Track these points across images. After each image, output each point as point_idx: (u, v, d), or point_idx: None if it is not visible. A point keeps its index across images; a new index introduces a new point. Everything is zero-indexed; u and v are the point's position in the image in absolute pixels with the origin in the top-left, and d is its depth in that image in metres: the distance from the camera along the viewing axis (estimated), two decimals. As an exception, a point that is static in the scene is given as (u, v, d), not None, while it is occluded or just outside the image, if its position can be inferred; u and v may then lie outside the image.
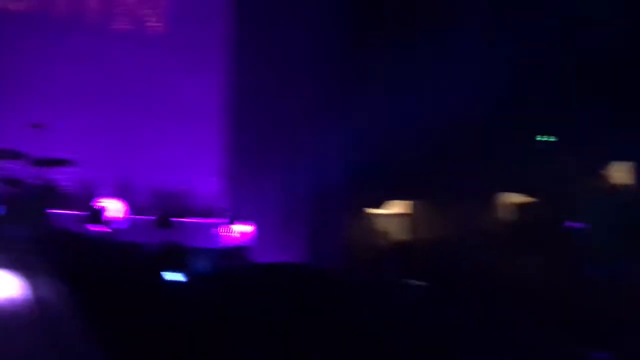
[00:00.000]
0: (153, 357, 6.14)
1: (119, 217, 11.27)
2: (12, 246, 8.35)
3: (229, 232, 12.00)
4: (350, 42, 12.89)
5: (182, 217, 11.82)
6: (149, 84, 12.36)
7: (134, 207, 11.69)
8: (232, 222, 12.05)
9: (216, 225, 12.13)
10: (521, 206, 12.11)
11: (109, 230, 10.89)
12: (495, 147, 12.02)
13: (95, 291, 7.03)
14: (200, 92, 12.67)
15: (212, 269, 10.61)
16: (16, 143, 9.27)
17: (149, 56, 12.46)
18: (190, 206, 12.37)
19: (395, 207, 13.33)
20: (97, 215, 10.91)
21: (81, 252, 8.54)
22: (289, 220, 12.76)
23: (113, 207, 11.25)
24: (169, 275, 8.87)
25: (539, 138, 12.46)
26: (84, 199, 11.28)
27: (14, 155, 9.05)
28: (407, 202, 13.22)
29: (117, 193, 11.65)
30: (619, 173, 11.10)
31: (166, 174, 12.28)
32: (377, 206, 13.36)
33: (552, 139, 12.41)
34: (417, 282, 9.77)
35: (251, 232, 12.03)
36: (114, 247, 10.02)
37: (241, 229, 12.00)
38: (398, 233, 13.18)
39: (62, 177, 10.06)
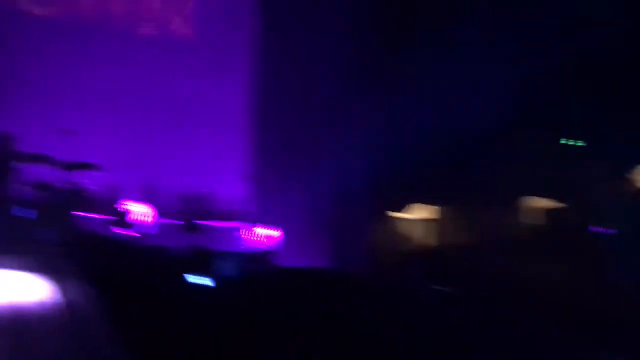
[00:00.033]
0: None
1: (146, 221, 11.36)
2: (42, 249, 8.48)
3: (254, 236, 12.04)
4: (376, 46, 12.88)
5: (208, 221, 11.88)
6: (175, 88, 12.47)
7: (160, 210, 11.77)
8: (257, 226, 12.08)
9: (242, 229, 12.19)
10: (546, 211, 12.03)
11: (137, 233, 10.98)
12: (521, 152, 11.95)
13: (123, 294, 7.12)
14: (226, 97, 12.75)
15: (238, 272, 10.65)
16: (46, 148, 9.38)
17: (175, 61, 12.56)
18: (216, 210, 12.44)
19: (420, 212, 13.29)
20: (124, 218, 11.00)
21: (109, 255, 8.64)
22: (314, 224, 12.78)
23: (140, 211, 11.34)
24: (196, 279, 8.95)
25: (564, 142, 12.37)
26: (111, 203, 11.38)
27: (44, 160, 9.17)
28: (432, 206, 13.18)
29: (144, 197, 11.75)
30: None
31: (192, 177, 12.37)
32: (402, 211, 13.33)
33: (578, 143, 12.32)
34: (442, 287, 9.76)
35: (276, 236, 12.06)
36: (141, 250, 10.12)
37: (266, 233, 12.03)
38: (423, 238, 13.14)
39: (91, 182, 10.17)
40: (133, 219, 11.00)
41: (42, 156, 9.23)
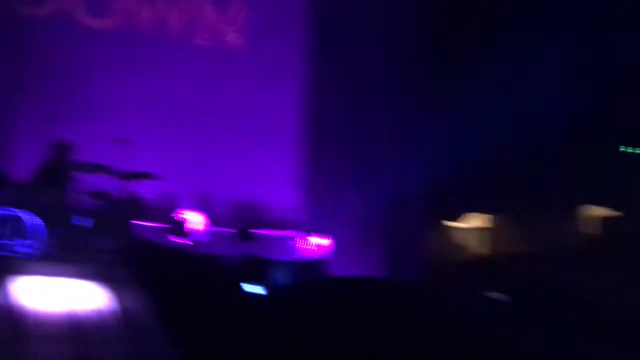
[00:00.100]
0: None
1: (199, 230, 11.46)
2: (99, 258, 8.62)
3: (307, 245, 12.07)
4: (431, 53, 12.85)
5: (261, 230, 11.94)
6: (229, 97, 12.55)
7: (214, 219, 11.87)
8: (310, 235, 12.11)
9: (294, 238, 12.22)
10: (603, 219, 11.86)
11: (191, 242, 11.08)
12: (577, 160, 11.81)
13: (178, 302, 7.18)
14: (279, 105, 12.80)
15: (291, 281, 10.67)
16: (102, 157, 9.52)
17: (228, 70, 12.65)
18: (268, 218, 12.49)
19: (475, 221, 13.20)
20: (179, 227, 11.12)
21: (164, 263, 8.73)
22: (367, 232, 12.77)
23: (194, 220, 11.45)
24: (249, 287, 8.99)
25: (622, 150, 12.19)
26: (166, 212, 11.51)
27: (101, 169, 9.30)
28: (487, 215, 13.08)
29: (197, 205, 11.86)
30: None
31: (246, 186, 12.43)
32: (457, 219, 13.25)
33: (637, 150, 12.12)
34: (498, 296, 9.65)
35: (329, 245, 12.07)
36: (196, 259, 10.20)
37: (319, 242, 12.05)
38: (477, 246, 13.04)
39: (146, 190, 10.29)
40: (189, 228, 11.11)
41: (99, 165, 9.36)
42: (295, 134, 12.93)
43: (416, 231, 12.92)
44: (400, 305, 7.31)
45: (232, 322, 6.95)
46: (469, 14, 12.45)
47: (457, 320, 7.15)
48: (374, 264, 12.50)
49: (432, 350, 6.67)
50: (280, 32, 12.91)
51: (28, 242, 8.39)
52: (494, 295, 9.28)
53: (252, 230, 11.54)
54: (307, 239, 12.13)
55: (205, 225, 11.59)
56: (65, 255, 8.50)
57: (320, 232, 12.12)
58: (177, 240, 11.02)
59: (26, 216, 8.46)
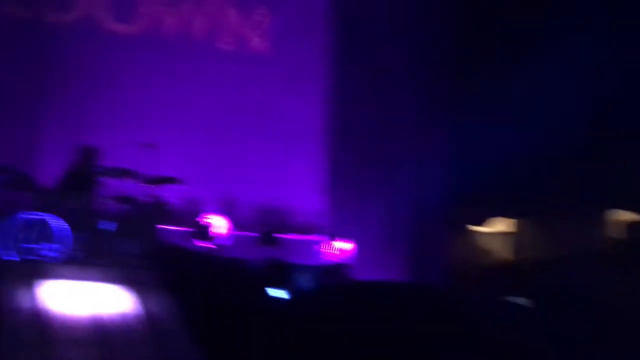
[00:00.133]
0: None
1: (224, 234, 11.51)
2: (124, 262, 8.68)
3: (330, 249, 12.07)
4: (454, 54, 12.81)
5: (285, 234, 11.96)
6: (253, 101, 12.58)
7: (238, 223, 11.90)
8: (332, 239, 12.11)
9: (317, 243, 12.23)
10: (629, 223, 11.77)
11: (215, 246, 11.12)
12: (603, 163, 11.72)
13: (203, 306, 7.22)
14: (303, 109, 12.81)
15: (314, 285, 10.68)
16: (128, 162, 9.58)
17: (253, 75, 12.68)
18: (292, 223, 12.50)
19: (500, 225, 13.14)
20: (203, 231, 11.16)
21: (189, 267, 8.78)
22: (390, 237, 12.74)
23: (218, 224, 11.49)
24: (273, 291, 9.01)
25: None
26: (190, 216, 11.56)
27: (126, 173, 9.36)
28: (512, 220, 13.02)
29: (221, 210, 11.90)
30: None
31: (269, 190, 12.46)
32: (481, 224, 13.20)
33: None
34: (522, 301, 9.60)
35: (352, 250, 12.06)
36: (220, 263, 10.25)
37: (342, 246, 12.05)
38: (502, 251, 12.98)
39: (171, 195, 10.34)
40: (213, 232, 11.15)
41: (125, 170, 9.42)
42: (319, 138, 12.94)
43: (440, 235, 12.88)
44: (423, 310, 7.30)
45: (256, 326, 6.98)
46: (493, 13, 12.39)
47: (481, 325, 7.12)
48: (397, 269, 12.47)
49: (455, 355, 6.65)
50: (303, 36, 12.93)
51: (54, 246, 8.47)
52: (517, 300, 9.23)
53: (275, 235, 11.56)
54: (330, 243, 12.12)
55: (229, 230, 11.62)
56: (90, 259, 8.57)
57: (343, 237, 12.11)
58: (202, 244, 11.06)
59: (52, 220, 8.54)
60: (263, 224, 11.84)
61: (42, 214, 8.57)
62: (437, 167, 12.92)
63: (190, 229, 11.19)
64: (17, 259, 8.37)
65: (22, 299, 6.90)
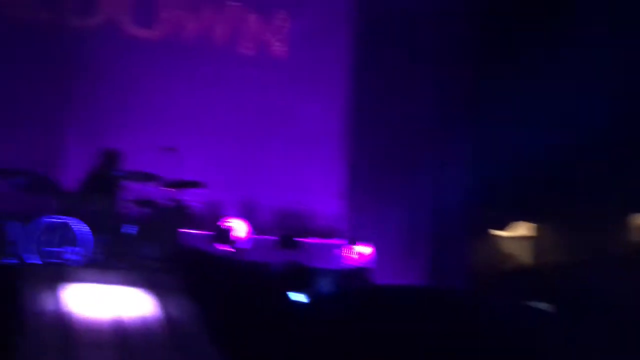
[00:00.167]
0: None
1: (244, 237, 11.53)
2: (146, 265, 8.72)
3: (350, 253, 12.07)
4: (474, 59, 12.78)
5: (305, 238, 11.97)
6: (273, 106, 12.61)
7: (257, 227, 11.93)
8: (352, 243, 12.10)
9: (337, 246, 12.23)
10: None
11: (236, 250, 11.16)
12: (625, 167, 11.63)
13: (224, 310, 7.24)
14: (322, 114, 12.82)
15: (334, 289, 10.68)
16: (149, 166, 9.63)
17: (273, 79, 12.71)
18: (311, 227, 12.51)
19: (521, 229, 13.07)
20: (224, 235, 11.20)
21: (210, 271, 8.81)
22: (410, 241, 12.72)
23: (239, 227, 11.52)
24: (293, 295, 9.03)
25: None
26: (212, 220, 11.60)
27: (148, 177, 9.41)
28: (533, 224, 12.94)
29: (242, 213, 11.94)
30: None
31: (289, 194, 12.48)
32: (502, 228, 13.14)
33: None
34: (544, 306, 9.55)
35: (372, 254, 12.05)
36: (241, 266, 10.27)
37: (362, 250, 12.04)
38: (523, 255, 12.91)
39: (192, 198, 10.38)
40: (234, 235, 11.17)
41: (146, 173, 9.47)
42: (339, 142, 12.95)
43: (460, 239, 12.83)
44: (443, 314, 7.28)
45: (276, 330, 6.99)
46: (517, 13, 12.33)
47: (501, 330, 7.10)
48: (417, 273, 12.45)
49: (474, 356, 6.63)
50: (324, 40, 12.94)
51: (76, 249, 8.52)
52: (539, 305, 9.18)
53: (295, 238, 11.58)
54: (350, 247, 12.12)
55: (250, 233, 11.66)
56: (112, 263, 8.62)
57: (363, 241, 12.11)
58: (223, 248, 11.10)
59: (75, 224, 8.60)
60: (283, 227, 11.86)
61: (64, 217, 8.63)
62: (457, 170, 12.88)
63: (211, 232, 11.23)
64: (40, 262, 8.44)
65: (44, 302, 6.95)
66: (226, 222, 11.54)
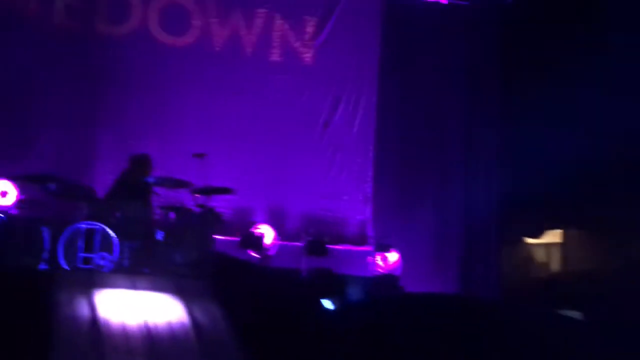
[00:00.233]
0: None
1: (273, 244, 11.55)
2: (175, 271, 8.76)
3: (379, 260, 12.04)
4: (507, 65, 12.72)
5: (334, 244, 11.95)
6: (302, 112, 12.63)
7: (286, 233, 11.94)
8: (381, 251, 12.07)
9: (366, 253, 12.20)
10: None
11: (264, 256, 11.17)
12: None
13: (253, 316, 7.25)
14: (350, 121, 12.81)
15: (364, 297, 10.66)
16: (179, 172, 9.66)
17: (302, 86, 12.72)
18: (340, 233, 12.50)
19: (552, 236, 12.98)
20: (253, 241, 11.22)
21: (239, 277, 8.83)
22: (440, 248, 12.66)
23: (268, 234, 11.54)
24: (322, 302, 9.02)
25: None
26: (241, 226, 11.63)
27: (178, 183, 9.44)
28: (563, 231, 12.85)
29: (271, 219, 11.96)
30: None
31: (318, 200, 12.47)
32: (532, 236, 13.06)
33: None
34: (575, 314, 9.48)
35: (400, 261, 12.01)
36: (270, 273, 10.28)
37: (392, 257, 12.00)
38: (555, 263, 12.82)
39: (221, 204, 10.40)
40: (263, 242, 11.20)
41: (176, 180, 9.50)
42: (367, 148, 12.92)
43: (490, 246, 12.75)
44: (473, 323, 7.24)
45: (306, 337, 6.98)
46: (546, 22, 12.28)
47: (532, 339, 7.05)
48: (447, 281, 12.38)
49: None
50: (352, 47, 12.95)
51: (108, 255, 8.57)
52: (570, 313, 9.12)
53: (324, 245, 11.56)
54: (379, 255, 12.09)
55: (279, 239, 11.67)
56: (142, 268, 8.66)
57: (392, 248, 12.07)
58: (252, 254, 11.11)
59: (105, 229, 8.65)
60: (312, 234, 11.85)
61: (96, 223, 8.68)
62: (488, 177, 12.81)
63: (240, 238, 11.25)
64: (72, 268, 8.50)
65: (77, 307, 6.99)
66: (255, 228, 11.56)
